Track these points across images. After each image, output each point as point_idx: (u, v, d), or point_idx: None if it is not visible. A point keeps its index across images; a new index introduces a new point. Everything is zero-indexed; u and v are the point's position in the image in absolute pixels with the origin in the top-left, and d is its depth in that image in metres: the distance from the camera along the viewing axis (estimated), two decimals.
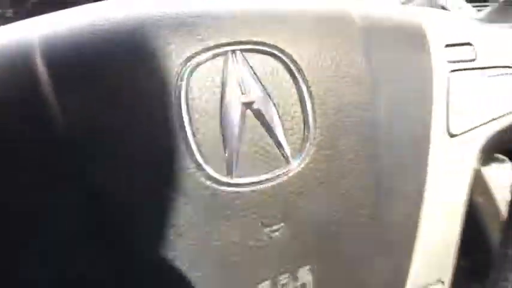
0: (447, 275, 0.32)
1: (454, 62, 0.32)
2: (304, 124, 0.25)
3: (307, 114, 0.25)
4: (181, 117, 0.22)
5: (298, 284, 0.26)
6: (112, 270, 0.22)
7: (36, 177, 0.22)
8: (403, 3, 0.48)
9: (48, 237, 0.22)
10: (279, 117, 0.24)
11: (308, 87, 0.25)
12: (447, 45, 0.32)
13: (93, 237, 0.22)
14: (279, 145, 0.25)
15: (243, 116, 0.24)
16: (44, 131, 0.22)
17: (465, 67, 0.32)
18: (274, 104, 0.24)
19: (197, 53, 0.23)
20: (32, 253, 0.22)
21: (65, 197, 0.22)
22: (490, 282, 0.39)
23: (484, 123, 0.32)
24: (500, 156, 0.61)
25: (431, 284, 0.32)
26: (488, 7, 0.37)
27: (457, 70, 0.32)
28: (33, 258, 0.22)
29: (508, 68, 0.33)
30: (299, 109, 0.25)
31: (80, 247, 0.22)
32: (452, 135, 0.31)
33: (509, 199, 0.64)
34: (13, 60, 0.22)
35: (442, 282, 0.32)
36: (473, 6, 0.68)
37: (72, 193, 0.22)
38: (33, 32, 0.23)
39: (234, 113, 0.23)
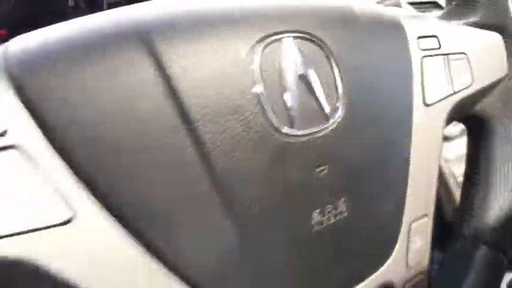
0: (431, 210, 0.42)
1: (425, 49, 0.42)
2: (336, 91, 0.34)
3: (338, 84, 0.34)
4: (257, 85, 0.31)
5: (338, 211, 0.34)
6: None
7: None
8: (378, 3, 0.59)
9: None
10: (321, 86, 0.33)
11: (337, 65, 0.34)
12: (419, 37, 0.42)
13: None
14: (321, 106, 0.33)
15: (298, 84, 0.32)
16: None
17: (433, 54, 0.43)
18: (317, 76, 0.33)
19: (264, 37, 0.31)
20: None
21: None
22: (448, 250, 0.49)
23: (449, 95, 0.43)
24: (449, 134, 0.73)
25: (419, 218, 0.41)
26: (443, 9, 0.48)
27: (427, 56, 0.42)
28: None
29: (463, 54, 0.44)
30: (333, 80, 0.34)
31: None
32: (427, 105, 0.42)
33: (457, 173, 0.76)
34: None
35: (427, 215, 0.42)
36: (415, 8, 0.80)
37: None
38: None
39: (292, 83, 0.32)
